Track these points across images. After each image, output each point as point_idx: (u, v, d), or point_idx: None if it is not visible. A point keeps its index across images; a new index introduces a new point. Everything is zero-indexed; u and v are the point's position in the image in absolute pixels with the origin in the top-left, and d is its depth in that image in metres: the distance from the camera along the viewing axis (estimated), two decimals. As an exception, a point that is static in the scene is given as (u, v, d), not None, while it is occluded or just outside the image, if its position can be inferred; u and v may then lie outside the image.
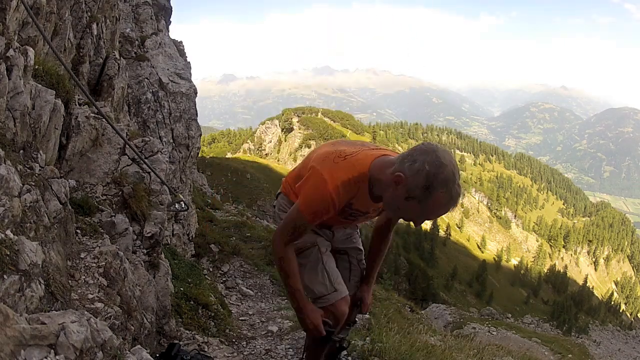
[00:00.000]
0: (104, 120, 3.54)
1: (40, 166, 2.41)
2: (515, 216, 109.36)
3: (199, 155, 13.36)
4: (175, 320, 3.87)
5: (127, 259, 2.87)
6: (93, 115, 3.56)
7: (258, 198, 40.82)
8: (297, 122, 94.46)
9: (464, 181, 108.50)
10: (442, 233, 78.63)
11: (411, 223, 1.87)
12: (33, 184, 2.16)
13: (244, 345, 4.30)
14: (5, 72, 2.33)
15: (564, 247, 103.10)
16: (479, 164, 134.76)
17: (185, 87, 8.67)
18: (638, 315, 78.31)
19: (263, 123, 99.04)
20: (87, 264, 2.49)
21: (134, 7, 9.21)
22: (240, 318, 5.38)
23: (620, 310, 77.61)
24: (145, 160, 3.56)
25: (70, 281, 2.28)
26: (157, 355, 2.19)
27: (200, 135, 9.60)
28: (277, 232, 1.94)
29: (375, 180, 1.77)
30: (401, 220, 2.07)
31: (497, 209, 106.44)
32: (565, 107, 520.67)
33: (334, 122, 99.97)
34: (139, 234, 3.40)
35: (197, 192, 15.08)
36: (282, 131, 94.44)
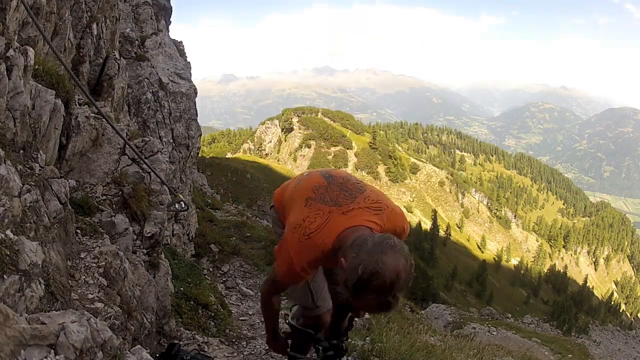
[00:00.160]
0: (104, 120, 3.53)
1: (40, 166, 2.41)
2: (515, 216, 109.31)
3: (199, 155, 13.36)
4: (175, 320, 3.86)
5: (127, 259, 2.87)
6: (93, 115, 3.56)
7: (258, 198, 40.80)
8: (297, 122, 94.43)
9: (464, 181, 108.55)
10: (442, 233, 78.57)
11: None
12: (33, 184, 2.16)
13: (244, 345, 4.30)
14: (5, 72, 2.33)
15: (564, 247, 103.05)
16: (479, 164, 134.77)
17: (185, 87, 8.67)
18: (638, 315, 78.29)
19: (263, 123, 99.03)
20: (87, 264, 2.49)
21: (134, 7, 9.21)
22: (240, 318, 5.38)
23: (620, 310, 77.59)
24: (145, 160, 3.56)
25: (70, 281, 2.28)
26: (157, 355, 2.20)
27: (200, 135, 9.60)
28: (266, 280, 2.10)
29: (338, 249, 1.73)
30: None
31: (497, 209, 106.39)
32: (565, 107, 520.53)
33: (334, 122, 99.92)
34: (139, 234, 3.40)
35: (197, 192, 15.08)
36: (282, 131, 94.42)
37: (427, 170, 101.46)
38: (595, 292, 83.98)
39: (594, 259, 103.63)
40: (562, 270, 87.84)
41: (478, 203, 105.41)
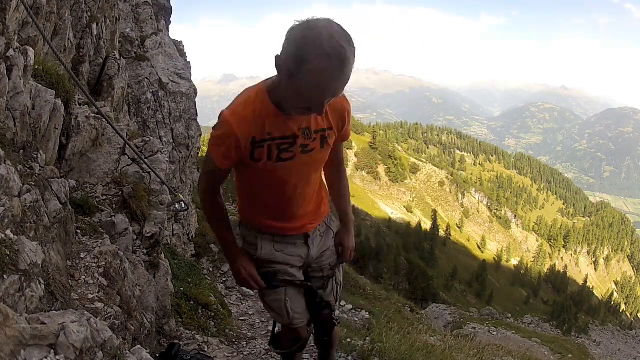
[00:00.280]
0: (104, 120, 3.54)
1: (40, 166, 2.41)
2: (515, 216, 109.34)
3: (199, 155, 13.35)
4: (175, 320, 3.87)
5: (127, 259, 2.87)
6: (93, 115, 3.56)
7: (258, 198, 40.74)
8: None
9: (464, 181, 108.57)
10: (442, 233, 78.61)
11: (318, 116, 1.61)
12: (33, 184, 2.16)
13: (244, 345, 4.30)
14: (5, 72, 2.33)
15: (564, 247, 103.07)
16: (479, 164, 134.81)
17: (185, 87, 8.68)
18: (638, 315, 78.27)
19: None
20: (87, 264, 2.49)
21: (134, 7, 9.21)
22: (240, 318, 5.38)
23: (620, 310, 77.57)
24: (145, 160, 3.56)
25: (70, 281, 2.28)
26: (157, 355, 2.20)
27: (200, 135, 9.60)
28: (199, 183, 1.87)
29: (275, 91, 1.55)
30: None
31: (497, 209, 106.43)
32: (565, 107, 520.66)
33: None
34: (139, 234, 3.40)
35: (197, 192, 15.05)
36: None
37: (427, 170, 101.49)
38: (595, 292, 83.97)
39: (594, 259, 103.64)
40: (562, 270, 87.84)
41: (478, 203, 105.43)
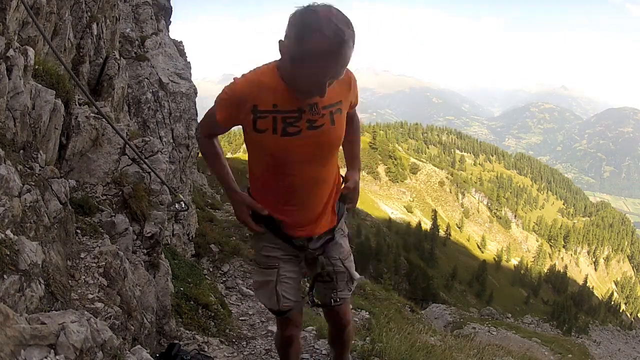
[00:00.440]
0: (104, 120, 3.54)
1: (40, 166, 2.41)
2: (515, 216, 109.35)
3: (199, 155, 13.36)
4: (175, 320, 3.87)
5: (127, 259, 2.87)
6: (93, 115, 3.56)
7: (258, 198, 40.73)
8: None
9: (464, 181, 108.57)
10: (442, 233, 78.61)
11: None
12: (33, 184, 2.16)
13: (244, 345, 4.30)
14: (5, 72, 2.33)
15: (564, 247, 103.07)
16: (479, 164, 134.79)
17: (185, 87, 8.68)
18: (638, 315, 78.25)
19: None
20: (87, 264, 2.49)
21: (134, 7, 9.21)
22: (240, 318, 5.38)
23: (620, 310, 77.55)
24: (145, 160, 3.56)
25: (70, 281, 2.28)
26: (157, 355, 2.20)
27: (200, 135, 9.59)
28: (198, 124, 1.94)
29: (283, 69, 1.59)
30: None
31: (497, 209, 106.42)
32: (565, 107, 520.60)
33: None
34: (139, 234, 3.40)
35: (197, 192, 15.08)
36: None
37: (427, 170, 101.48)
38: (595, 292, 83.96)
39: (594, 259, 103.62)
40: (562, 270, 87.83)
41: (478, 203, 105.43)
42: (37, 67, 2.90)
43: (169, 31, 10.81)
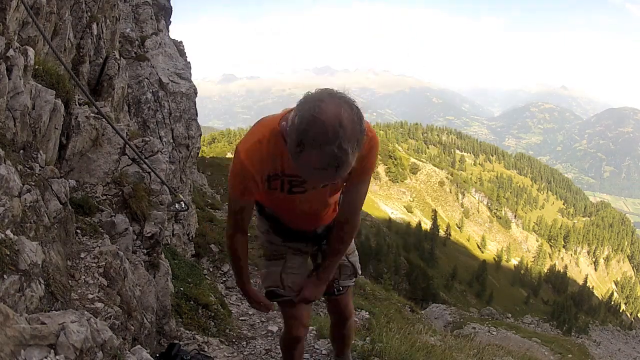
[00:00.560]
0: (104, 120, 3.54)
1: (40, 166, 2.41)
2: (515, 216, 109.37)
3: (199, 155, 13.36)
4: (175, 320, 3.87)
5: (127, 259, 2.87)
6: (93, 115, 3.56)
7: (258, 198, 40.71)
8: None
9: (464, 181, 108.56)
10: (442, 233, 78.63)
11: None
12: (33, 184, 2.16)
13: (244, 345, 4.30)
14: (5, 72, 2.33)
15: (564, 247, 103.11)
16: (479, 164, 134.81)
17: (185, 87, 8.68)
18: (638, 315, 78.26)
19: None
20: (87, 264, 2.49)
21: (134, 7, 9.21)
22: (240, 318, 5.38)
23: (620, 310, 77.56)
24: (145, 160, 3.56)
25: (70, 281, 2.28)
26: (157, 355, 2.19)
27: (200, 135, 9.60)
28: (226, 227, 1.98)
29: None
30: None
31: (497, 209, 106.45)
32: (565, 107, 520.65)
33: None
34: (139, 234, 3.40)
35: (197, 192, 15.08)
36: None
37: (427, 170, 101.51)
38: (595, 292, 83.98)
39: (594, 259, 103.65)
40: (562, 270, 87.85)
41: (478, 203, 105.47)
42: (37, 67, 2.90)
43: (169, 31, 10.82)
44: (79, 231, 2.78)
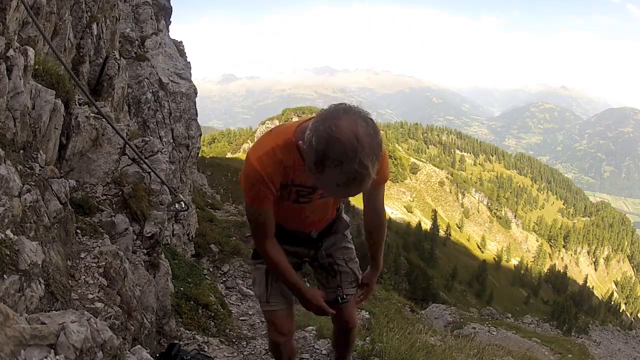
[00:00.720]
0: (104, 120, 3.54)
1: (40, 166, 2.41)
2: (515, 216, 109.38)
3: (199, 155, 13.36)
4: (175, 320, 3.87)
5: (127, 259, 2.87)
6: (93, 115, 3.56)
7: (258, 198, 40.63)
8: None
9: (464, 181, 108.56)
10: (442, 233, 78.64)
11: None
12: (33, 184, 2.16)
13: (244, 345, 4.30)
14: (5, 72, 2.33)
15: (564, 247, 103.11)
16: (479, 164, 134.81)
17: (185, 87, 8.68)
18: (638, 315, 78.27)
19: (263, 123, 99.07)
20: (87, 264, 2.49)
21: (134, 7, 9.21)
22: (241, 318, 5.38)
23: (620, 310, 77.57)
24: (145, 160, 3.56)
25: (70, 281, 2.28)
26: (157, 355, 2.20)
27: (200, 135, 9.60)
28: (252, 236, 1.95)
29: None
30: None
31: (497, 209, 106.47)
32: (565, 107, 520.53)
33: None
34: (139, 234, 3.40)
35: (197, 192, 15.08)
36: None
37: (427, 170, 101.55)
38: (595, 292, 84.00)
39: (594, 259, 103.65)
40: (562, 270, 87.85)
41: (478, 203, 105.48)
42: (37, 67, 2.90)
43: (169, 31, 10.82)
44: (79, 231, 2.79)
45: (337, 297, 2.15)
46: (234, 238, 9.75)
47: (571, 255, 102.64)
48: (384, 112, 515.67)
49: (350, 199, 2.32)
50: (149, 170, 3.65)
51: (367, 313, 6.62)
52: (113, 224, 3.13)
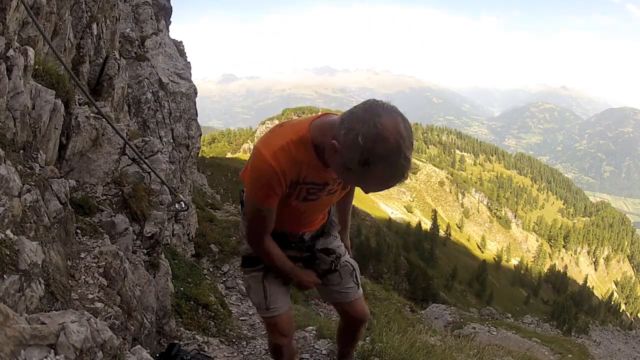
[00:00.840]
0: (104, 120, 3.54)
1: (40, 166, 2.41)
2: (515, 216, 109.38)
3: (199, 155, 13.36)
4: (175, 320, 3.87)
5: (127, 259, 2.87)
6: (93, 115, 3.56)
7: (258, 198, 40.62)
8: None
9: (464, 181, 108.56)
10: (442, 233, 78.63)
11: None
12: (33, 184, 2.16)
13: (244, 345, 4.30)
14: (5, 72, 2.33)
15: (564, 247, 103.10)
16: (479, 164, 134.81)
17: (185, 87, 8.68)
18: (638, 315, 78.27)
19: (263, 123, 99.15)
20: (87, 264, 2.49)
21: (134, 7, 9.21)
22: (241, 318, 5.38)
23: (620, 310, 77.56)
24: (145, 160, 3.56)
25: (70, 281, 2.28)
26: (157, 355, 2.20)
27: (200, 135, 9.61)
28: (246, 233, 1.87)
29: (320, 142, 1.56)
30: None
31: (497, 209, 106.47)
32: (565, 107, 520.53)
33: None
34: (139, 234, 3.40)
35: (197, 192, 15.08)
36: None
37: (427, 170, 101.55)
38: (595, 292, 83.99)
39: (594, 259, 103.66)
40: (562, 270, 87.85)
41: (478, 203, 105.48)
42: (37, 67, 2.90)
43: (169, 31, 10.82)
44: (79, 231, 2.79)
45: (347, 295, 2.15)
46: (234, 238, 9.75)
47: (571, 255, 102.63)
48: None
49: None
50: (149, 170, 3.65)
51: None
52: (113, 224, 3.13)
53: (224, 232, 10.25)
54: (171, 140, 8.22)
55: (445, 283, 58.24)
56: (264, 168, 1.58)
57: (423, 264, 58.50)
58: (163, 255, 3.85)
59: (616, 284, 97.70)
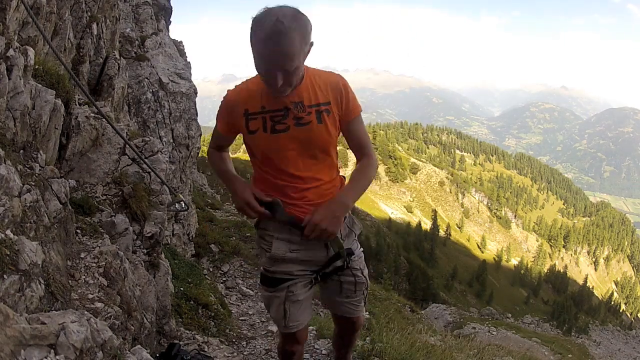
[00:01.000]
0: (104, 120, 3.54)
1: (40, 166, 2.41)
2: (515, 216, 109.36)
3: (199, 155, 13.36)
4: (175, 320, 3.87)
5: (127, 259, 2.87)
6: (93, 115, 3.56)
7: (258, 198, 40.63)
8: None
9: (464, 181, 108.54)
10: (442, 233, 78.63)
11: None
12: (33, 184, 2.16)
13: (244, 345, 4.30)
14: (5, 72, 2.33)
15: (564, 247, 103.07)
16: (479, 164, 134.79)
17: (185, 87, 8.67)
18: (638, 315, 78.25)
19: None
20: (87, 264, 2.49)
21: (134, 7, 9.21)
22: (241, 318, 5.38)
23: (620, 310, 77.54)
24: (145, 160, 3.56)
25: (70, 281, 2.28)
26: (157, 355, 2.19)
27: (201, 135, 9.60)
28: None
29: None
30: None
31: (497, 209, 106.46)
32: (565, 107, 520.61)
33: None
34: (139, 234, 3.40)
35: (197, 192, 15.08)
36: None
37: (427, 170, 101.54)
38: (595, 292, 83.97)
39: (594, 259, 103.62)
40: (562, 270, 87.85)
41: (478, 203, 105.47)
42: (37, 67, 2.90)
43: (169, 31, 10.81)
44: (79, 231, 2.79)
45: (351, 311, 2.11)
46: (234, 238, 9.74)
47: (571, 255, 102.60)
48: (384, 112, 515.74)
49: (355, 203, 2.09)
50: (149, 170, 3.65)
51: (367, 313, 6.63)
52: (113, 224, 3.13)
53: (224, 232, 10.24)
54: (171, 140, 8.22)
55: (445, 283, 58.25)
56: (224, 101, 1.87)
57: (423, 264, 58.50)
58: (163, 255, 3.85)
59: (616, 284, 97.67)
